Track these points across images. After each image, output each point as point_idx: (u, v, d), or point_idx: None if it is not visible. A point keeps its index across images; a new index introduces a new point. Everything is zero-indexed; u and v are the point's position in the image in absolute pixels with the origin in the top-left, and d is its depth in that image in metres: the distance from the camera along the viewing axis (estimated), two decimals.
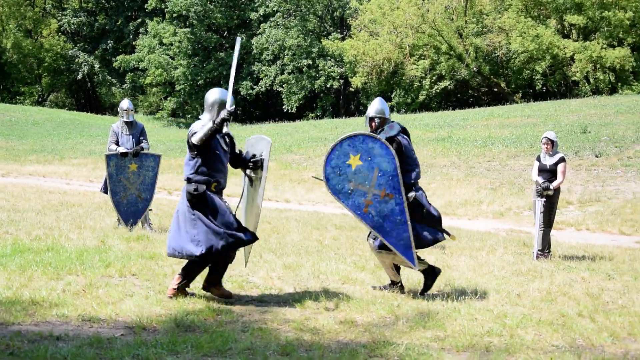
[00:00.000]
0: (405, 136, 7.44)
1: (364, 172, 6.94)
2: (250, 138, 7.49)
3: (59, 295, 6.49)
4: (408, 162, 7.25)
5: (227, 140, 6.94)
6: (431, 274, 7.40)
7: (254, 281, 7.48)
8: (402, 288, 7.45)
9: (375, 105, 7.56)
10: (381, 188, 6.94)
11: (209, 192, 6.68)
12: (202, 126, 6.74)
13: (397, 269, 7.47)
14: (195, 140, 6.65)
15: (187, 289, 6.79)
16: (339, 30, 54.53)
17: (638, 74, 42.45)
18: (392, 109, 47.16)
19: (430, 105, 45.85)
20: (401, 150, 7.20)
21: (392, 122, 7.51)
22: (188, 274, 6.71)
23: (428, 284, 7.41)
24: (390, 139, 7.22)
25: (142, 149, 11.29)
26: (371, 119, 7.50)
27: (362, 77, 47.22)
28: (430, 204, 7.36)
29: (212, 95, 6.95)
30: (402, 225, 6.94)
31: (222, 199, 6.86)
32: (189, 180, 6.73)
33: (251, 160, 7.02)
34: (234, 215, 6.76)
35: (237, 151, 7.12)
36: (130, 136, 11.39)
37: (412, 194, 7.14)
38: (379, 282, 7.87)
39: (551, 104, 36.16)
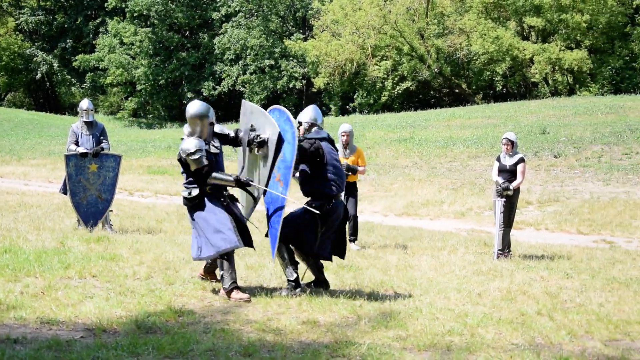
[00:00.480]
0: (330, 145, 7.32)
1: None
2: (248, 107, 7.60)
3: (16, 297, 6.38)
4: (328, 169, 7.14)
5: (216, 140, 7.19)
6: (296, 284, 7.19)
7: (216, 282, 7.43)
8: (326, 284, 7.48)
9: (308, 113, 7.55)
10: (279, 171, 6.96)
11: (206, 195, 6.91)
12: (194, 145, 6.91)
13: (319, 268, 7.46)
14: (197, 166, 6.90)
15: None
16: (301, 31, 54.54)
17: (595, 76, 43.17)
18: (354, 110, 47.34)
19: (392, 106, 46.10)
20: (319, 154, 7.08)
21: (322, 130, 7.45)
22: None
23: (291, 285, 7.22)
24: (312, 140, 7.16)
25: (102, 149, 11.16)
26: (299, 124, 7.43)
27: (324, 78, 47.29)
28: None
29: (193, 107, 7.08)
30: (278, 216, 6.97)
31: (225, 200, 7.03)
32: (185, 186, 7.05)
33: (255, 140, 7.08)
34: (236, 217, 7.01)
35: (231, 135, 7.34)
36: (90, 136, 11.25)
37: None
38: (342, 282, 7.89)
39: (511, 105, 36.61)
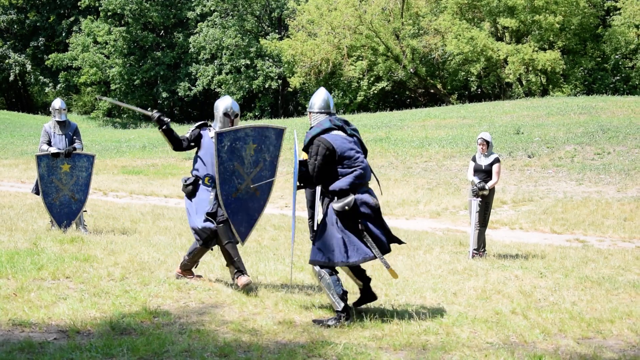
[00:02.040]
0: (339, 133, 6.45)
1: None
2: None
3: None
4: (343, 164, 6.34)
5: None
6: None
7: (191, 282, 7.40)
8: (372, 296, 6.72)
9: (316, 101, 6.66)
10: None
11: (201, 185, 7.25)
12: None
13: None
14: None
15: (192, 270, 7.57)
16: (277, 31, 54.47)
17: (568, 77, 43.60)
18: None
19: (368, 106, 46.22)
20: (327, 160, 6.32)
21: (331, 117, 6.58)
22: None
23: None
24: (310, 141, 6.47)
25: (74, 149, 11.04)
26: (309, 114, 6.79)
27: (300, 78, 47.29)
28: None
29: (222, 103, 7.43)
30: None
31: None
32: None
33: None
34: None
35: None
36: (63, 136, 11.14)
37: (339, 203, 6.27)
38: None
39: (486, 105, 36.85)
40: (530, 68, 42.69)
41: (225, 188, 7.14)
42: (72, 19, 58.00)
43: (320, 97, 6.67)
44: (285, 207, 17.82)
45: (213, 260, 8.69)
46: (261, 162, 7.31)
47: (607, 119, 27.27)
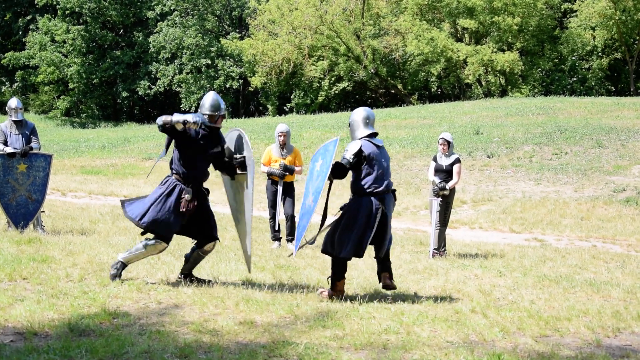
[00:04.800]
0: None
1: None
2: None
3: None
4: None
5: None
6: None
7: (151, 283, 7.34)
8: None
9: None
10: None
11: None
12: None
13: None
14: None
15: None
16: (237, 30, 54.26)
17: (526, 78, 44.19)
18: (291, 110, 47.37)
19: (329, 106, 46.30)
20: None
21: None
22: None
23: None
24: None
25: (31, 148, 10.87)
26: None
27: (261, 77, 47.17)
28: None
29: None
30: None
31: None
32: None
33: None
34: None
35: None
36: (20, 135, 10.95)
37: None
38: (279, 283, 7.88)
39: (446, 105, 37.17)
40: (489, 69, 43.19)
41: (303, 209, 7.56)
42: (29, 17, 57.04)
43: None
44: None
45: (174, 261, 8.63)
46: (320, 176, 7.39)
47: (565, 120, 27.70)
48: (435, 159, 11.30)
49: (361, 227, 7.09)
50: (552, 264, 10.37)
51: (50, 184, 11.46)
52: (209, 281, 7.47)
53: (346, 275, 7.41)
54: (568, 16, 47.61)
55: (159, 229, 7.06)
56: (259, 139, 28.50)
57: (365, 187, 7.17)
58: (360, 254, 7.19)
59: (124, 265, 7.26)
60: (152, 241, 7.15)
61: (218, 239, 7.49)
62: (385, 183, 7.26)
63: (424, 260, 10.19)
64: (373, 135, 7.37)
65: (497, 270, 9.55)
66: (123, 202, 7.28)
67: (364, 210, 7.12)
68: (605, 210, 16.64)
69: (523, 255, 11.08)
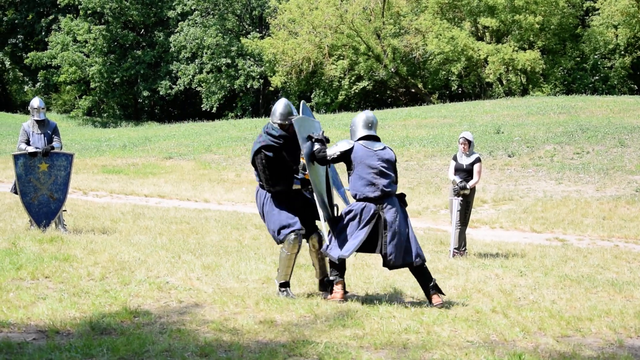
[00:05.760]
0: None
1: None
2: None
3: None
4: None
5: None
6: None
7: (172, 282, 7.37)
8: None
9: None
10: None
11: None
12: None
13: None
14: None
15: None
16: (258, 30, 54.37)
17: (548, 76, 43.89)
18: (312, 109, 47.36)
19: (349, 105, 46.26)
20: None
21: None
22: None
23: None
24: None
25: (52, 148, 10.95)
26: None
27: (281, 77, 47.22)
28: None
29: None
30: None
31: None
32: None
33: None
34: None
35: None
36: (42, 135, 11.05)
37: None
38: (299, 282, 7.88)
39: (466, 104, 36.99)
40: (510, 68, 42.94)
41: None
42: (51, 17, 57.53)
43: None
44: None
45: (194, 260, 8.67)
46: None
47: (586, 119, 27.48)
48: (455, 158, 11.25)
49: (352, 229, 6.97)
50: (573, 263, 10.29)
51: (72, 183, 11.55)
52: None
53: (367, 274, 7.39)
54: (590, 14, 47.23)
55: (287, 226, 7.01)
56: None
57: (358, 191, 7.03)
58: (346, 254, 6.93)
59: (285, 284, 7.12)
60: (287, 243, 7.04)
61: (319, 234, 7.32)
62: (383, 186, 6.99)
63: (445, 260, 10.15)
64: (370, 137, 7.19)
65: (518, 270, 9.49)
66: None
67: (356, 213, 6.99)
68: (628, 209, 16.48)
69: (544, 255, 11.01)
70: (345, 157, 7.07)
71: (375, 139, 7.23)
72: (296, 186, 7.21)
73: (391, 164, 7.16)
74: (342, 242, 6.96)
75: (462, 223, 11.02)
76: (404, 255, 6.99)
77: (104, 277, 7.35)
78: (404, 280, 8.30)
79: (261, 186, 7.17)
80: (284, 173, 7.08)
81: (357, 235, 6.92)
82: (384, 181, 7.03)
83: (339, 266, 7.04)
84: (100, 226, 11.92)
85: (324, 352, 5.31)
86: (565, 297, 7.67)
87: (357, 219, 6.98)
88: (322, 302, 6.80)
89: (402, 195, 7.24)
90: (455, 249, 10.89)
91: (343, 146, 7.10)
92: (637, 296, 7.89)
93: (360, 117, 7.32)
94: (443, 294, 7.11)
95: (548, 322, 6.43)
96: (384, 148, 7.21)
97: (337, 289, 7.03)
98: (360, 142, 7.15)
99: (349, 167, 7.12)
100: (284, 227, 7.00)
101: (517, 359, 5.30)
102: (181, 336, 5.54)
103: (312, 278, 8.05)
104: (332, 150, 7.06)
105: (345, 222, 7.03)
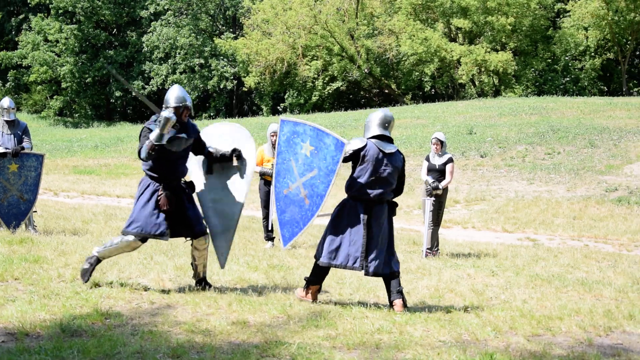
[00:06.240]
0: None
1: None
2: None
3: None
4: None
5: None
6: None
7: (144, 283, 7.32)
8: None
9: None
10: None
11: None
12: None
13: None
14: None
15: None
16: (231, 30, 54.21)
17: (520, 78, 44.27)
18: (285, 110, 47.38)
19: (323, 106, 46.31)
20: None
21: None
22: None
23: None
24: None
25: (22, 148, 10.83)
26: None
27: (255, 77, 47.13)
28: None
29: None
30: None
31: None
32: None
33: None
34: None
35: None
36: (12, 135, 10.92)
37: None
38: (272, 282, 7.87)
39: (439, 105, 37.22)
40: (482, 69, 43.28)
41: (279, 181, 7.06)
42: (21, 16, 56.91)
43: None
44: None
45: (166, 261, 8.62)
46: (315, 169, 6.92)
47: (557, 120, 27.77)
48: (428, 159, 11.31)
49: (344, 233, 6.79)
50: (544, 263, 10.39)
51: (43, 183, 11.43)
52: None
53: (340, 275, 7.38)
54: (561, 16, 47.74)
55: (148, 229, 6.91)
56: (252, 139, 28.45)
57: (354, 190, 6.83)
58: (335, 262, 6.81)
59: (98, 260, 7.05)
60: (130, 238, 6.92)
61: (207, 233, 7.23)
62: (379, 192, 6.83)
63: (417, 260, 10.20)
64: (383, 137, 6.93)
65: (490, 269, 9.56)
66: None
67: (348, 215, 6.82)
68: (598, 209, 16.69)
69: (515, 255, 11.10)
70: (356, 155, 6.83)
71: (389, 139, 6.99)
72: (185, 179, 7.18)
73: (397, 171, 6.96)
74: (330, 248, 6.81)
75: (434, 223, 11.07)
76: (384, 265, 6.85)
77: (75, 279, 7.28)
78: (377, 280, 8.32)
79: (149, 176, 6.98)
80: (163, 158, 6.88)
81: (347, 238, 6.78)
82: (383, 188, 6.86)
83: (321, 272, 6.95)
84: (72, 227, 11.81)
85: (297, 352, 5.31)
86: (536, 297, 7.74)
87: (346, 220, 6.82)
88: (295, 303, 6.80)
89: (394, 205, 7.08)
90: (427, 249, 10.94)
91: (356, 144, 6.85)
92: (606, 295, 7.98)
93: (377, 115, 7.02)
94: (406, 305, 6.91)
95: (519, 322, 6.48)
96: (395, 152, 6.97)
97: (311, 292, 6.97)
98: (373, 140, 6.87)
99: (356, 163, 6.86)
100: (138, 225, 6.86)
101: (488, 358, 5.33)
102: (153, 338, 5.51)
103: (284, 279, 8.05)
104: (347, 148, 6.81)
105: (333, 222, 6.89)
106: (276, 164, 7.11)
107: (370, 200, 6.83)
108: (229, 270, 8.34)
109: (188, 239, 7.20)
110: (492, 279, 8.88)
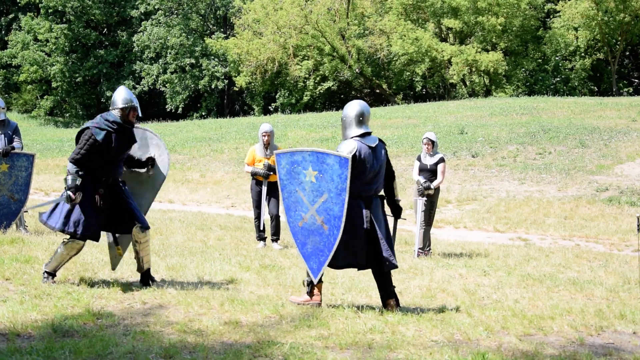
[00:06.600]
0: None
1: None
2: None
3: None
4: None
5: None
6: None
7: (136, 283, 7.31)
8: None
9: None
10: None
11: None
12: None
13: None
14: None
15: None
16: (222, 30, 54.13)
17: (510, 78, 44.36)
18: (276, 110, 47.34)
19: (314, 105, 46.28)
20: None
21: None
22: None
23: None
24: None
25: (12, 148, 10.78)
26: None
27: (246, 77, 47.06)
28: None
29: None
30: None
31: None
32: None
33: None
34: None
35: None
36: (2, 135, 10.86)
37: None
38: (264, 282, 7.87)
39: (430, 105, 37.25)
40: (473, 69, 43.36)
41: (291, 215, 6.80)
42: (11, 15, 56.69)
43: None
44: (232, 207, 17.74)
45: (158, 261, 8.60)
46: (325, 193, 6.59)
47: (548, 120, 27.85)
48: (419, 159, 11.32)
49: (350, 233, 6.61)
50: (536, 263, 10.42)
51: (33, 183, 11.38)
52: (161, 280, 7.40)
53: (332, 275, 7.38)
54: (551, 17, 47.86)
55: (83, 229, 6.90)
56: (244, 139, 28.48)
57: (353, 190, 6.58)
58: (356, 264, 6.75)
59: (51, 274, 7.08)
60: (69, 241, 6.98)
61: (143, 223, 7.19)
62: (375, 187, 6.79)
63: (409, 260, 10.21)
64: (366, 134, 6.81)
65: (482, 269, 9.58)
66: (41, 215, 7.12)
67: (349, 216, 6.59)
68: (589, 209, 16.75)
69: (507, 255, 11.13)
70: (353, 159, 6.56)
71: (369, 134, 6.86)
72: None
73: (384, 162, 6.93)
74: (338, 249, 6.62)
75: (426, 223, 11.09)
76: (394, 258, 6.80)
77: (66, 279, 7.26)
78: (369, 280, 8.32)
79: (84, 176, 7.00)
80: (102, 159, 6.96)
81: (355, 238, 6.66)
82: (378, 181, 6.83)
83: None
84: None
85: (289, 352, 5.30)
86: (527, 296, 7.76)
87: (351, 220, 6.60)
88: (287, 303, 6.79)
89: (383, 197, 7.04)
90: (419, 249, 10.96)
91: (350, 147, 6.65)
92: (598, 295, 8.01)
93: (353, 111, 6.83)
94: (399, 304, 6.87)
95: (511, 321, 6.49)
96: (377, 143, 6.88)
97: (318, 291, 6.86)
98: (357, 138, 6.74)
99: (352, 166, 6.58)
100: (82, 225, 6.90)
101: (480, 358, 5.34)
102: (145, 338, 5.50)
103: (277, 279, 8.05)
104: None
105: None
106: (283, 199, 6.86)
107: (369, 197, 6.77)
108: (221, 270, 8.34)
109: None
110: (484, 279, 8.89)
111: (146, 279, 7.31)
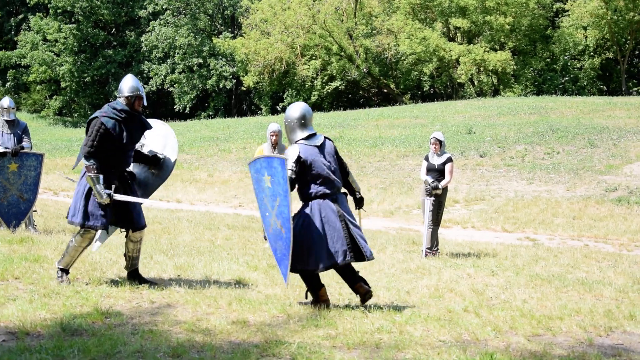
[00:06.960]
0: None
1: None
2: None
3: None
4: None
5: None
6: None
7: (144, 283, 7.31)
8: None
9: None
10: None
11: None
12: None
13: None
14: None
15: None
16: (230, 30, 54.19)
17: (518, 77, 44.27)
18: (284, 110, 47.34)
19: (321, 105, 46.29)
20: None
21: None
22: None
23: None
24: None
25: (22, 148, 10.83)
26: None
27: (253, 77, 47.13)
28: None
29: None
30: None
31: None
32: None
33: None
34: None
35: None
36: (12, 135, 10.92)
37: None
38: (272, 282, 7.87)
39: (438, 105, 37.21)
40: (481, 68, 43.29)
41: (265, 222, 6.80)
42: (20, 16, 56.90)
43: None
44: (239, 207, 17.76)
45: (166, 261, 8.61)
46: (278, 197, 6.52)
47: (557, 119, 27.77)
48: (427, 159, 11.31)
49: (321, 234, 6.58)
50: (544, 263, 10.39)
51: (42, 183, 11.41)
52: (154, 283, 7.30)
53: (338, 274, 7.34)
54: (560, 16, 47.74)
55: (95, 220, 6.90)
56: (251, 139, 28.51)
57: (313, 192, 6.64)
58: (332, 263, 6.61)
59: (65, 271, 7.10)
60: (80, 232, 6.96)
61: (145, 227, 7.26)
62: (337, 184, 6.75)
63: (417, 260, 10.19)
64: (311, 136, 6.76)
65: (490, 269, 9.56)
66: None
67: (319, 216, 6.59)
68: (597, 209, 16.69)
69: (515, 255, 11.10)
70: (299, 162, 6.60)
71: (314, 135, 6.82)
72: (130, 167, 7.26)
73: (336, 158, 6.88)
74: (310, 254, 6.59)
75: (434, 223, 11.07)
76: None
77: (75, 278, 7.28)
78: (377, 280, 8.33)
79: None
80: (113, 148, 6.91)
81: (327, 237, 6.60)
82: (337, 177, 6.79)
83: (312, 276, 6.76)
84: (71, 227, 11.78)
85: (297, 352, 5.30)
86: (536, 296, 7.74)
87: (319, 221, 6.61)
88: (294, 302, 6.80)
89: (345, 194, 7.00)
90: (427, 248, 10.94)
91: (293, 154, 6.61)
92: (607, 295, 7.98)
93: (295, 114, 6.79)
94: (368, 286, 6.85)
95: (519, 321, 6.48)
96: (324, 141, 6.83)
97: (322, 296, 6.78)
98: (302, 142, 6.71)
99: (303, 169, 6.62)
100: (93, 217, 6.88)
101: (488, 358, 5.32)
102: (153, 337, 5.50)
103: None
104: (289, 165, 6.52)
105: (304, 229, 6.60)
106: (259, 208, 6.89)
107: (334, 193, 6.74)
108: (229, 269, 8.35)
109: (123, 230, 7.27)
110: (492, 279, 8.88)
111: (137, 275, 7.31)
